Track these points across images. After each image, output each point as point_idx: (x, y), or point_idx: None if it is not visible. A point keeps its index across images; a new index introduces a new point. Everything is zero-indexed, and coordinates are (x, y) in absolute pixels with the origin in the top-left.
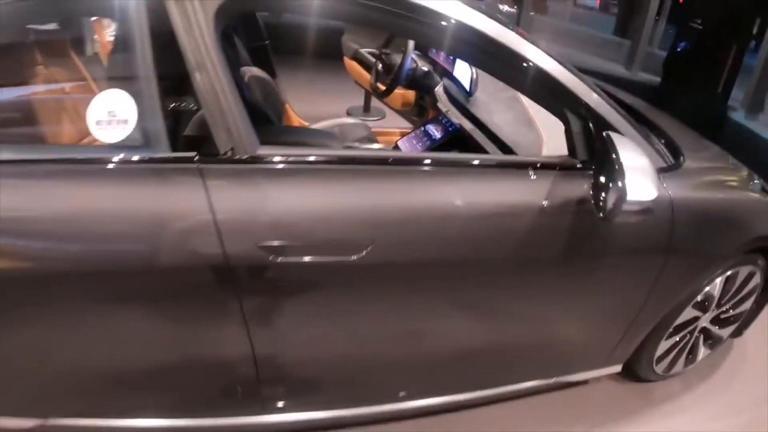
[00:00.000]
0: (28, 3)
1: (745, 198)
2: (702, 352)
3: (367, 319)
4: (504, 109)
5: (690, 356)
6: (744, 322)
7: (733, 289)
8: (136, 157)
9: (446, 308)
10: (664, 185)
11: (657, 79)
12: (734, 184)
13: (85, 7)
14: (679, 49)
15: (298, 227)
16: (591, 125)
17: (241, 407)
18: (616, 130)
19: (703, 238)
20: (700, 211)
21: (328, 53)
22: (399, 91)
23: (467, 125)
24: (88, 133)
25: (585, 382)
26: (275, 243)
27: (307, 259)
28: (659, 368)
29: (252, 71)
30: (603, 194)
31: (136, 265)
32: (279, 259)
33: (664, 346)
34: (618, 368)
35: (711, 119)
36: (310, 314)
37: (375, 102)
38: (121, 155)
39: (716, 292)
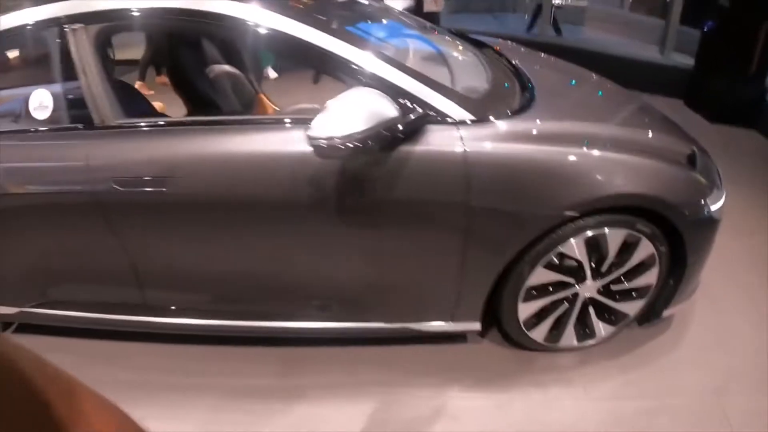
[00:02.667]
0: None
1: (585, 158)
2: (600, 327)
3: (178, 237)
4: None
5: (584, 330)
6: (660, 301)
7: (611, 256)
8: (56, 127)
9: (242, 239)
10: (461, 137)
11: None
12: (577, 144)
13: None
14: (706, 29)
15: (134, 169)
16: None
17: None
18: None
19: (510, 192)
20: (503, 165)
21: None
22: None
23: None
24: None
25: (464, 340)
26: (122, 178)
27: (138, 189)
28: (536, 335)
29: (221, 68)
30: None
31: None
32: (123, 189)
33: (526, 309)
34: (476, 326)
35: (747, 103)
36: (142, 229)
37: None
38: (49, 126)
39: (579, 256)
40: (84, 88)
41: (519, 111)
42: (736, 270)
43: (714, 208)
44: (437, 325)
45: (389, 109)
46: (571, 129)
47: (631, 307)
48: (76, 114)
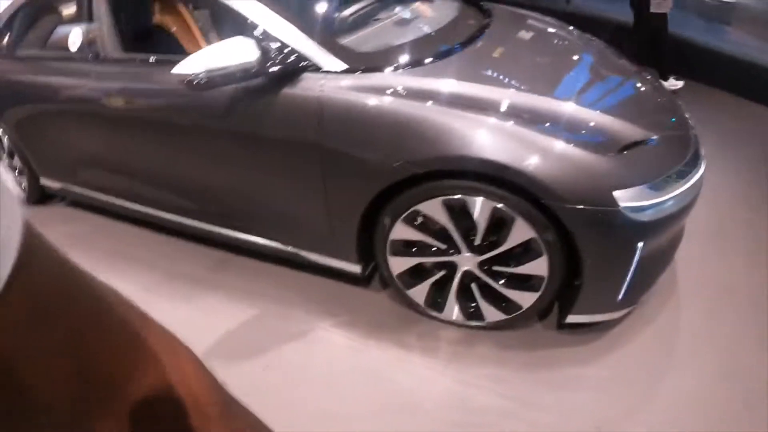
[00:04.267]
0: None
1: (439, 116)
2: (487, 309)
3: (140, 142)
4: None
5: (471, 308)
6: (564, 304)
7: (480, 229)
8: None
9: (167, 149)
10: (323, 84)
11: None
12: (441, 102)
13: None
14: None
15: (113, 88)
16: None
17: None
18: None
19: (357, 139)
20: (353, 112)
21: None
22: None
23: None
24: None
25: (366, 286)
26: (107, 95)
27: (114, 106)
28: (415, 296)
29: None
30: None
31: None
32: (106, 104)
33: (397, 263)
34: (356, 268)
35: None
36: (122, 133)
37: None
38: (81, 55)
39: (441, 220)
40: (96, 30)
41: (417, 65)
42: (732, 298)
43: (629, 204)
44: (319, 258)
45: (251, 54)
46: (450, 88)
47: (523, 298)
48: (92, 48)
